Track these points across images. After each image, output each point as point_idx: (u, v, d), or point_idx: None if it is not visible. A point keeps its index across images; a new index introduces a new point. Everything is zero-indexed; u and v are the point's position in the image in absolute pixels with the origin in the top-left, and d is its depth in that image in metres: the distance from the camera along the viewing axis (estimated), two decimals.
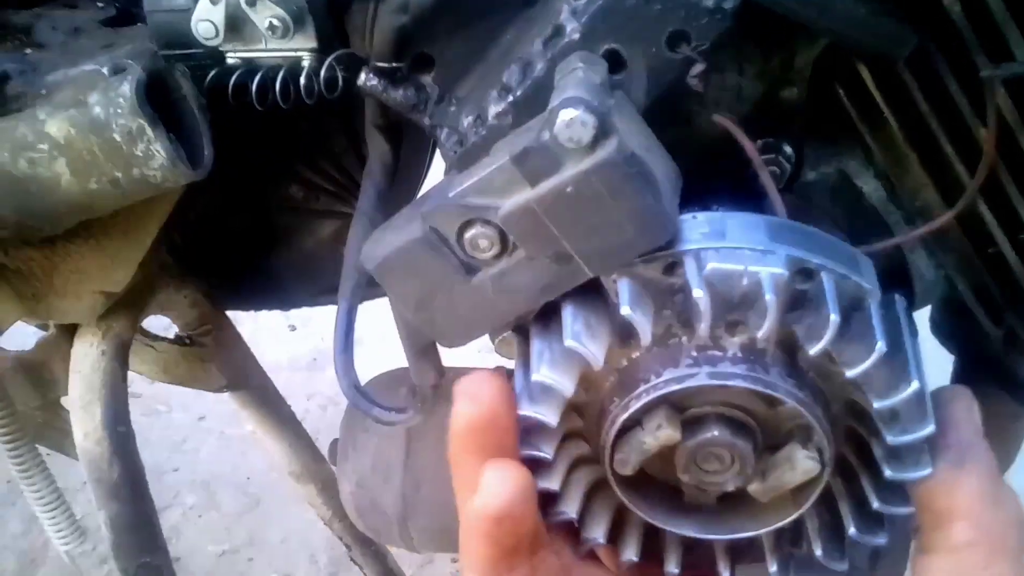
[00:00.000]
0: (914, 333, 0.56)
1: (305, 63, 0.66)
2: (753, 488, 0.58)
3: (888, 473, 0.53)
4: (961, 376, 0.79)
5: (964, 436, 0.53)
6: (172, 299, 1.00)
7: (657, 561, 0.62)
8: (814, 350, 0.49)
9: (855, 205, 0.63)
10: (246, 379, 1.20)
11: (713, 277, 0.52)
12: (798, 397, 0.53)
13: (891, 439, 0.51)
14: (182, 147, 0.67)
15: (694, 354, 0.54)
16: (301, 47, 0.65)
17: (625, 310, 0.51)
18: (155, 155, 0.65)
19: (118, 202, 0.71)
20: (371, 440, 0.93)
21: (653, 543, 0.63)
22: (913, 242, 0.62)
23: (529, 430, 0.56)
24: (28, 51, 0.76)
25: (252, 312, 1.31)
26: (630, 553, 0.61)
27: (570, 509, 0.59)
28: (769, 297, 0.49)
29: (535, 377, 0.53)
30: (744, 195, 0.62)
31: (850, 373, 0.50)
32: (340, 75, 0.67)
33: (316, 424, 1.87)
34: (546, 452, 0.56)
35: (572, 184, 0.49)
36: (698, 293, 0.50)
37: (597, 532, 0.61)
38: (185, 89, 0.68)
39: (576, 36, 0.54)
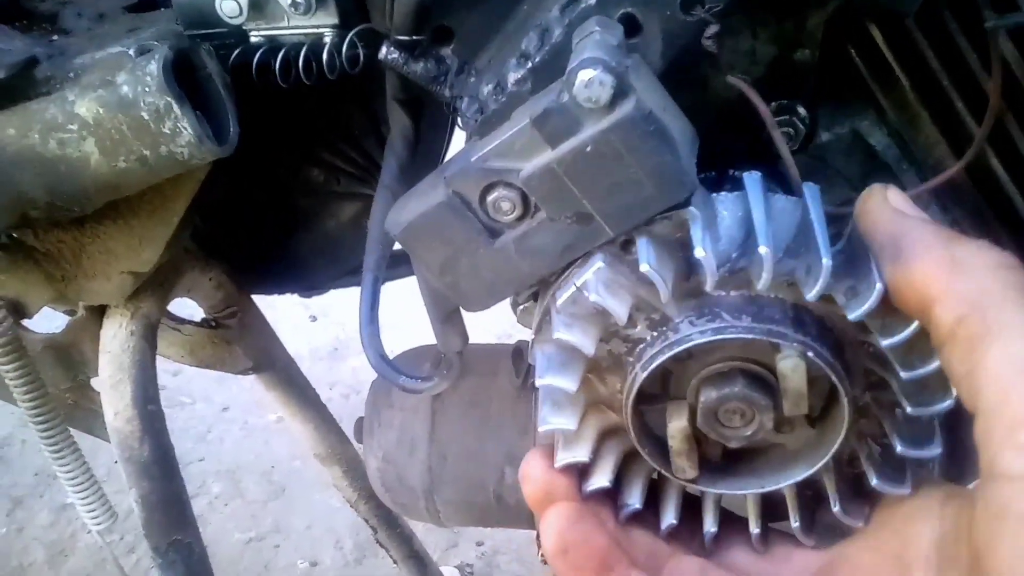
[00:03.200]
0: None
1: (327, 39, 0.67)
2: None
3: (909, 409, 0.54)
4: None
5: (886, 229, 0.50)
6: (198, 281, 1.02)
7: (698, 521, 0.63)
8: (810, 295, 0.51)
9: (869, 163, 0.64)
10: (271, 361, 1.22)
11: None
12: (773, 331, 0.54)
13: (905, 375, 0.52)
14: (208, 124, 0.69)
15: (703, 309, 0.55)
16: (323, 23, 0.67)
17: (644, 267, 0.53)
18: (182, 132, 0.67)
19: (146, 180, 0.73)
20: (396, 415, 0.94)
21: (694, 503, 0.64)
22: (927, 196, 0.63)
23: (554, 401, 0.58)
24: (55, 37, 0.78)
25: (273, 302, 1.34)
26: (670, 517, 0.62)
27: (601, 480, 0.61)
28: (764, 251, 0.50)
29: (555, 335, 0.55)
30: (760, 156, 0.63)
31: (851, 315, 0.51)
32: (361, 51, 0.68)
33: (339, 412, 1.89)
34: (569, 423, 0.58)
35: (592, 143, 0.51)
36: (700, 253, 0.52)
37: (633, 498, 0.62)
38: (210, 67, 0.69)
39: (593, 1, 0.55)
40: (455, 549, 2.04)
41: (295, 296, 1.22)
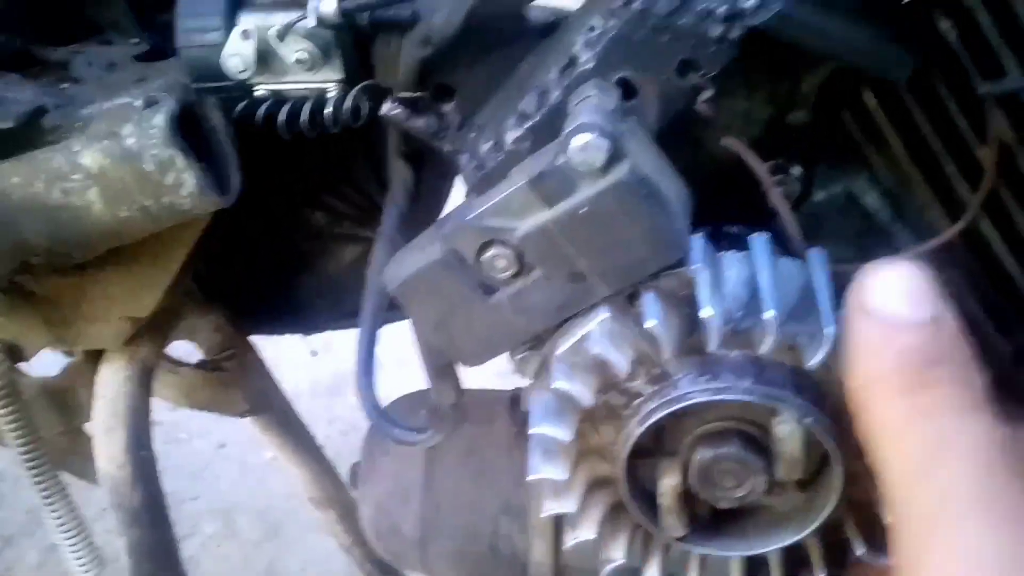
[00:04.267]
0: None
1: (331, 94, 0.68)
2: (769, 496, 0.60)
3: None
4: None
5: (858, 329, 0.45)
6: (197, 325, 1.03)
7: None
8: (812, 362, 0.51)
9: (863, 223, 0.65)
10: (268, 404, 1.22)
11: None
12: (773, 395, 0.54)
13: None
14: (211, 175, 0.70)
15: (703, 367, 0.56)
16: (328, 79, 0.68)
17: (649, 323, 0.53)
18: (185, 183, 0.68)
19: (147, 229, 0.73)
20: (391, 463, 0.94)
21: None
22: (920, 259, 0.64)
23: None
24: (65, 85, 0.79)
25: (274, 338, 1.34)
26: (653, 574, 0.62)
27: (587, 532, 0.61)
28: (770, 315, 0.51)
29: (553, 384, 0.55)
30: (757, 214, 0.64)
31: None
32: (364, 105, 0.69)
33: (337, 449, 1.88)
34: (560, 473, 0.58)
35: (587, 205, 0.52)
36: (706, 312, 0.52)
37: (618, 552, 0.62)
38: (215, 120, 0.70)
39: (590, 65, 0.57)
40: None
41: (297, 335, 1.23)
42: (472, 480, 0.90)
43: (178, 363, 1.13)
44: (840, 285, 0.57)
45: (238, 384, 1.13)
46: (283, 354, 2.43)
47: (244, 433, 2.27)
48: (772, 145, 0.62)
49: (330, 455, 1.38)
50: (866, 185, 0.64)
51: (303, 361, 2.61)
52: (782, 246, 0.61)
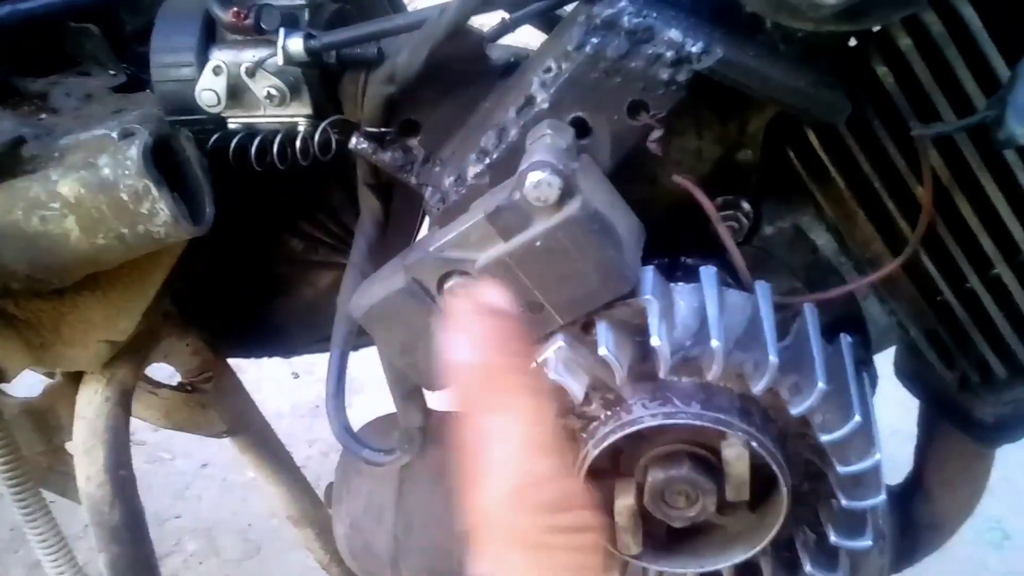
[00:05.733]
0: (864, 369, 0.60)
1: (301, 128, 0.71)
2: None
3: (844, 502, 0.56)
4: (925, 417, 0.82)
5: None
6: (175, 347, 1.04)
7: None
8: (757, 389, 0.54)
9: (810, 256, 0.68)
10: (246, 425, 1.23)
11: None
12: (720, 419, 0.57)
13: (842, 469, 0.55)
14: (185, 204, 0.72)
15: (655, 393, 0.58)
16: (297, 113, 0.70)
17: (602, 350, 0.56)
18: (159, 213, 0.70)
19: (124, 256, 0.75)
20: (364, 483, 0.96)
21: None
22: (865, 290, 0.66)
23: None
24: (43, 116, 0.81)
25: (255, 360, 1.35)
26: None
27: None
28: (716, 344, 0.53)
29: None
30: (710, 246, 0.66)
31: (794, 411, 0.54)
32: (334, 138, 0.72)
33: (318, 470, 1.89)
34: None
35: (541, 239, 0.54)
36: (656, 341, 0.55)
37: None
38: (189, 152, 0.73)
39: (545, 106, 0.59)
40: None
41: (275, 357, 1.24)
42: (443, 500, 0.92)
43: (157, 384, 1.14)
44: (790, 314, 0.60)
45: (216, 405, 1.14)
46: (265, 376, 2.45)
47: (226, 453, 2.27)
48: (722, 182, 0.64)
49: (310, 476, 1.39)
50: (812, 220, 0.67)
51: (285, 383, 2.61)
52: (733, 277, 0.63)
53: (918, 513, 0.86)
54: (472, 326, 0.43)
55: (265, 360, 1.46)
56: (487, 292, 0.44)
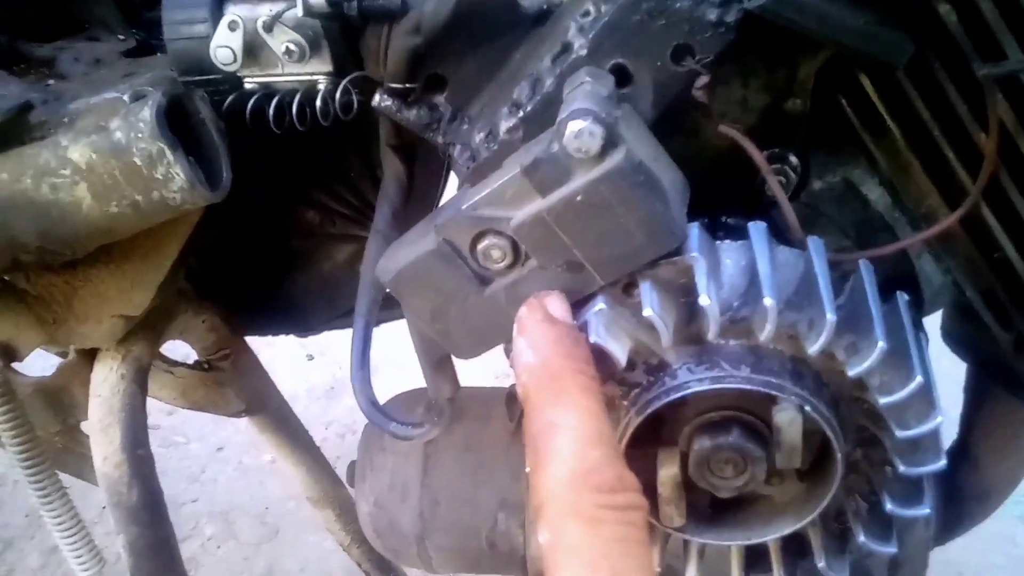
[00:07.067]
0: (919, 329, 0.57)
1: (321, 86, 0.67)
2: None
3: (901, 468, 0.53)
4: (974, 383, 0.79)
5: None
6: (190, 324, 1.02)
7: None
8: (812, 349, 0.50)
9: (861, 212, 0.64)
10: (264, 404, 1.21)
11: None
12: (772, 383, 0.54)
13: (900, 434, 0.52)
14: (201, 169, 0.69)
15: (701, 357, 0.55)
16: (317, 71, 0.67)
17: (647, 311, 0.53)
18: (174, 178, 0.67)
19: (138, 225, 0.72)
20: (388, 459, 0.93)
21: None
22: (919, 247, 0.63)
23: None
24: (51, 81, 0.78)
25: (270, 341, 1.32)
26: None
27: None
28: (769, 302, 0.50)
29: None
30: (753, 204, 0.63)
31: (851, 372, 0.51)
32: (355, 98, 0.68)
33: (334, 452, 1.87)
34: None
35: (582, 193, 0.51)
36: (705, 300, 0.52)
37: None
38: (204, 113, 0.69)
39: (584, 52, 0.56)
40: None
41: (292, 335, 1.22)
42: (470, 476, 0.90)
43: (174, 363, 1.12)
44: (840, 274, 0.57)
45: (233, 384, 1.12)
46: (280, 357, 2.43)
47: (242, 436, 2.27)
48: (769, 134, 0.61)
49: (327, 457, 1.37)
50: (864, 174, 0.64)
51: (300, 365, 2.60)
52: (780, 235, 0.60)
53: (964, 483, 0.83)
54: (539, 334, 0.52)
55: (280, 342, 1.43)
56: (553, 303, 0.54)
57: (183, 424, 2.38)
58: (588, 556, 0.44)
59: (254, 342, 1.20)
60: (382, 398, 0.87)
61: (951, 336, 0.74)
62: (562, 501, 0.45)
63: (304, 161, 0.95)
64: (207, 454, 2.39)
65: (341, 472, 1.19)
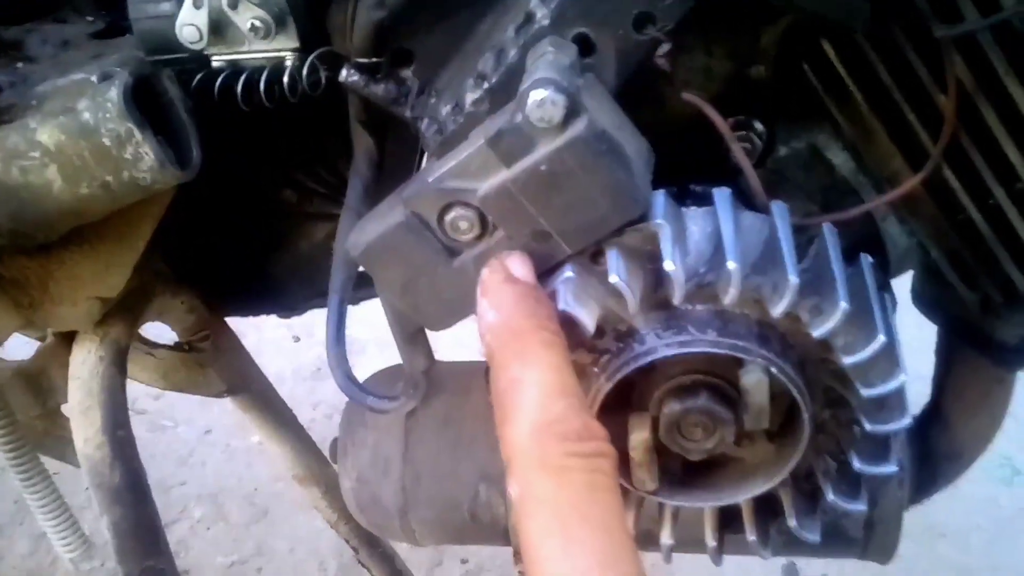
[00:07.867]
0: (884, 291, 0.58)
1: (288, 63, 0.67)
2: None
3: (867, 427, 0.54)
4: (944, 345, 0.80)
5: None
6: (169, 305, 1.02)
7: None
8: (776, 312, 0.51)
9: (827, 177, 0.65)
10: (246, 383, 1.21)
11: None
12: (738, 346, 0.54)
13: (865, 392, 0.52)
14: (171, 149, 0.69)
15: (669, 322, 0.56)
16: (284, 47, 0.67)
17: (613, 278, 0.53)
18: (144, 157, 0.67)
19: (109, 206, 0.72)
20: (369, 435, 0.94)
21: None
22: (884, 209, 0.64)
23: None
24: (19, 64, 0.78)
25: (256, 324, 1.32)
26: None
27: None
28: (732, 266, 0.51)
29: None
30: (720, 171, 0.64)
31: (815, 333, 0.52)
32: (323, 74, 0.68)
33: (322, 432, 1.87)
34: None
35: (545, 162, 0.51)
36: (669, 266, 0.52)
37: None
38: (172, 92, 0.69)
39: (546, 22, 0.56)
40: (440, 568, 2.03)
41: (277, 317, 1.22)
42: (450, 449, 0.90)
43: (154, 345, 1.12)
44: (806, 238, 0.58)
45: (214, 364, 1.12)
46: (266, 340, 2.43)
47: (229, 419, 2.28)
48: (733, 101, 0.61)
49: (315, 438, 1.37)
50: (829, 139, 0.64)
51: (286, 346, 2.60)
52: (745, 201, 0.61)
53: (936, 443, 0.84)
54: (501, 294, 0.52)
55: (265, 324, 1.43)
56: (514, 263, 0.54)
57: (170, 408, 2.38)
58: (557, 505, 0.44)
59: (239, 326, 1.20)
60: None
61: (920, 298, 0.75)
62: (529, 453, 0.46)
63: (280, 140, 0.95)
64: (195, 437, 2.39)
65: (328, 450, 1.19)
